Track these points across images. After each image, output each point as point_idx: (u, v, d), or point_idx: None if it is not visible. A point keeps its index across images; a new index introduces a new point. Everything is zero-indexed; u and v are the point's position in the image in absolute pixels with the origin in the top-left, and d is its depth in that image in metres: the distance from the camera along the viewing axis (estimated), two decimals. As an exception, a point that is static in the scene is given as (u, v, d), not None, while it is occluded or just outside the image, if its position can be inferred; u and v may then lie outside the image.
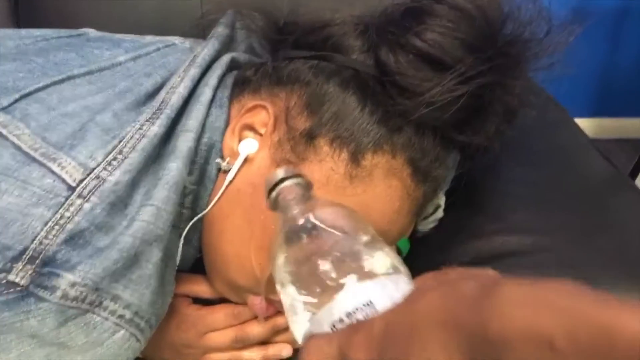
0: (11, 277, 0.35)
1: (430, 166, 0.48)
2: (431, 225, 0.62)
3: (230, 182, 0.46)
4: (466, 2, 0.45)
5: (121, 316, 0.38)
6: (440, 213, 0.61)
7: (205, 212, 0.47)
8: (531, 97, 0.85)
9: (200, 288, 0.53)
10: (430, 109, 0.44)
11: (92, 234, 0.37)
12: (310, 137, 0.45)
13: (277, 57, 0.50)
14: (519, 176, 0.69)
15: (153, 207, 0.39)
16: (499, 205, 0.64)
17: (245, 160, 0.46)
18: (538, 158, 0.72)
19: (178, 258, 0.46)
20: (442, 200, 0.60)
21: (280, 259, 0.33)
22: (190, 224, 0.47)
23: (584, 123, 0.79)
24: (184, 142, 0.44)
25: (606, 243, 0.59)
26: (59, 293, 0.35)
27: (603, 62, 1.87)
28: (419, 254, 0.61)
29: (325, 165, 0.45)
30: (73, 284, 0.35)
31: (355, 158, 0.45)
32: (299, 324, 0.31)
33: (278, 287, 0.33)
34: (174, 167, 0.42)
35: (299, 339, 0.32)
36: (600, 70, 1.88)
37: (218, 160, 0.47)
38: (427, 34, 0.44)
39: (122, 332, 0.38)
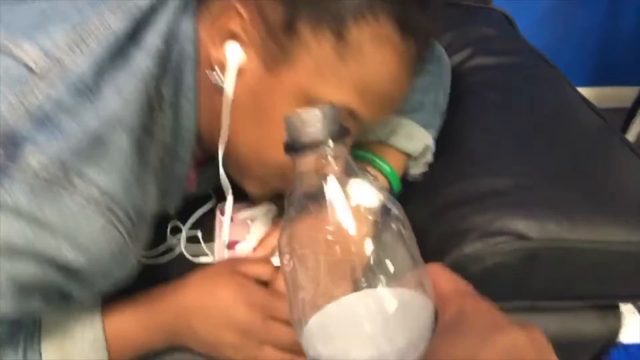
0: None
1: (415, 16, 0.46)
2: (421, 170, 0.63)
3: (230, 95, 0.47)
4: None
5: (92, 197, 0.39)
6: (429, 156, 0.62)
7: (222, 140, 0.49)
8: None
9: (261, 269, 0.53)
10: None
11: (57, 116, 0.39)
12: (289, 26, 0.45)
13: None
14: (505, 125, 0.70)
15: (119, 96, 0.41)
16: (484, 152, 0.66)
17: (238, 72, 0.47)
18: (526, 109, 0.74)
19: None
20: (430, 141, 0.62)
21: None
22: (220, 155, 0.49)
23: (581, 92, 0.80)
24: (152, 40, 0.44)
25: (587, 183, 0.60)
26: (25, 168, 0.37)
27: (602, 31, 1.87)
28: (409, 196, 0.63)
29: (313, 52, 0.45)
30: (39, 161, 0.37)
31: (339, 35, 0.44)
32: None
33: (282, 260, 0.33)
34: (141, 61, 0.43)
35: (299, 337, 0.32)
36: (599, 39, 1.87)
37: (207, 71, 0.48)
38: None
39: (98, 216, 0.39)
